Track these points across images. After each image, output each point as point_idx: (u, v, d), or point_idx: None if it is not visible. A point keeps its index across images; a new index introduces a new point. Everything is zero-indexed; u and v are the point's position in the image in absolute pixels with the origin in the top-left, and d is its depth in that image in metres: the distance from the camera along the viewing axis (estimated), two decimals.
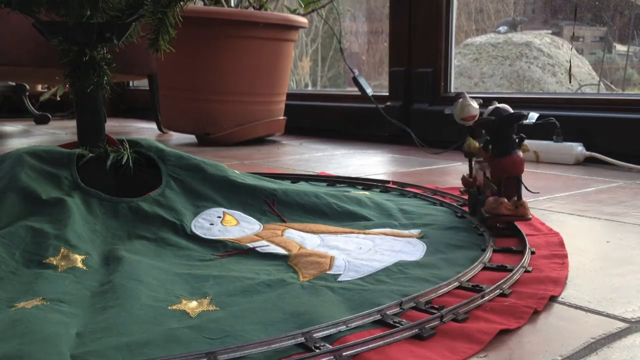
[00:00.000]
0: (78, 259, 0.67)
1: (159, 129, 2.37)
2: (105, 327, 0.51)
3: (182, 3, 0.87)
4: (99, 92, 0.88)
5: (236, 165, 1.45)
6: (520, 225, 0.78)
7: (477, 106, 0.92)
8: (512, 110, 0.80)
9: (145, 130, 2.52)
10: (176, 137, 2.19)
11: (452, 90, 1.86)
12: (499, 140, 0.77)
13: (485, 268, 0.63)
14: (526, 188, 0.78)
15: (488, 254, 0.67)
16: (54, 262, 0.65)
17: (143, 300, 0.56)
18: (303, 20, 1.91)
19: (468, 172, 0.96)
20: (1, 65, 1.81)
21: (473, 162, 0.94)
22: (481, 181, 0.84)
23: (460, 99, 0.92)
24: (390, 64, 1.97)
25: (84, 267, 0.65)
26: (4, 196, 0.74)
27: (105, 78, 0.87)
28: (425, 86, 1.85)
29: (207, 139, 1.89)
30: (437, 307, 0.52)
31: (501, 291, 0.56)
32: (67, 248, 0.67)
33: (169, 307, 0.55)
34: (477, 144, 0.90)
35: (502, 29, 2.68)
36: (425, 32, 1.85)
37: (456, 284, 0.58)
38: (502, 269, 0.63)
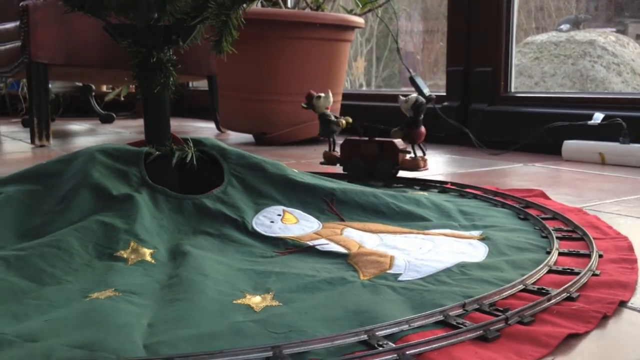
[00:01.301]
0: (147, 252, 0.69)
1: (218, 128, 2.42)
2: (175, 319, 0.52)
3: (244, 5, 0.89)
4: (165, 93, 0.90)
5: (293, 164, 1.47)
6: (587, 228, 0.76)
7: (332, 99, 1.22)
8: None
9: (204, 129, 2.58)
10: (234, 136, 2.23)
11: (513, 90, 1.82)
12: (418, 118, 1.13)
13: (550, 271, 0.62)
14: (423, 150, 1.17)
15: (554, 256, 0.65)
16: (124, 255, 0.68)
17: (209, 294, 0.58)
18: (359, 20, 1.91)
19: (332, 150, 1.23)
20: (71, 66, 1.90)
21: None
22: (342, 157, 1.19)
23: (323, 94, 1.20)
24: (448, 63, 1.94)
25: (153, 261, 0.68)
26: (77, 192, 0.78)
27: (171, 79, 0.90)
28: (485, 86, 1.82)
29: (264, 139, 1.92)
30: (501, 309, 0.52)
31: (568, 294, 0.55)
32: (136, 242, 0.70)
33: (234, 302, 0.57)
34: (344, 122, 1.20)
35: (564, 27, 2.60)
36: (485, 30, 1.82)
37: (521, 286, 0.57)
38: (569, 272, 0.62)
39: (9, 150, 1.89)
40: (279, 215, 0.83)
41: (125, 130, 2.53)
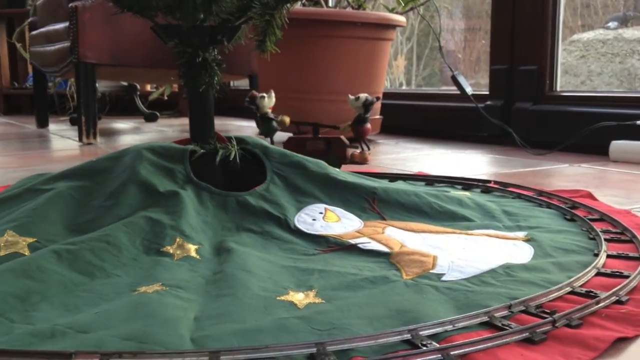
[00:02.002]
0: (192, 248, 0.70)
1: (258, 127, 2.44)
2: (221, 314, 0.53)
3: (288, 5, 0.90)
4: (210, 92, 0.92)
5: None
6: (637, 230, 0.74)
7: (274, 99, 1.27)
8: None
9: (245, 128, 2.61)
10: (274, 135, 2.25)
11: (558, 89, 1.79)
12: (366, 116, 1.24)
13: (599, 273, 0.61)
14: (367, 145, 1.29)
15: (602, 259, 0.64)
16: (171, 251, 0.69)
17: (253, 290, 0.59)
18: (401, 19, 1.90)
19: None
20: (117, 66, 1.94)
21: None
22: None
23: (266, 95, 1.25)
24: (491, 61, 1.92)
25: (198, 257, 0.69)
26: (125, 188, 0.80)
27: (216, 78, 0.92)
28: (529, 85, 1.78)
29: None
30: (548, 311, 0.51)
31: (617, 298, 0.54)
32: (182, 238, 0.72)
33: (278, 298, 0.57)
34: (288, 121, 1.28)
35: (611, 24, 2.53)
36: (530, 28, 1.78)
37: (568, 289, 0.56)
38: (618, 275, 0.60)
39: (57, 148, 1.95)
40: (321, 213, 0.83)
41: (169, 129, 2.58)
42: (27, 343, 0.48)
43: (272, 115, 1.26)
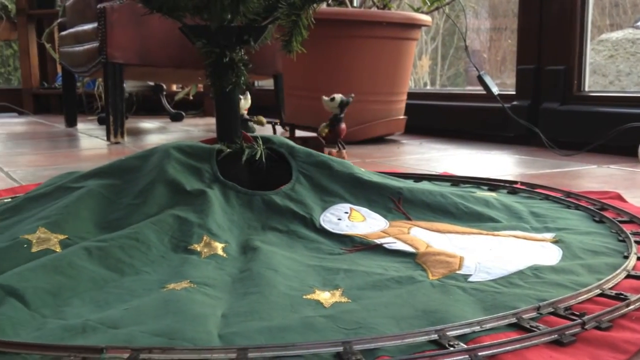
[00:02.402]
0: (219, 246, 0.71)
1: (282, 126, 2.45)
2: (247, 311, 0.54)
3: (314, 5, 0.90)
4: (236, 92, 0.93)
5: (357, 163, 1.47)
6: None
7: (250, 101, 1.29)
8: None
9: (268, 128, 2.62)
10: (297, 134, 2.25)
11: (586, 89, 1.76)
12: (342, 116, 1.30)
13: (629, 276, 0.60)
14: (343, 144, 1.31)
15: (632, 261, 0.63)
16: (198, 249, 0.70)
17: (280, 288, 0.59)
18: (427, 18, 1.89)
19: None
20: (144, 66, 1.97)
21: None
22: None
23: (242, 96, 1.23)
24: (518, 61, 1.90)
25: (224, 255, 0.70)
26: (153, 187, 0.81)
27: (242, 78, 0.92)
28: (557, 85, 1.76)
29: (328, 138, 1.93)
30: (577, 313, 0.51)
31: None
32: (209, 236, 0.72)
33: (304, 297, 0.58)
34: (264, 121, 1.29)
35: None
36: (558, 27, 1.76)
37: (597, 291, 0.56)
38: None
39: (85, 147, 1.98)
40: (346, 212, 0.83)
41: (194, 128, 2.60)
42: (60, 338, 0.49)
43: (247, 117, 1.23)
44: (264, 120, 1.28)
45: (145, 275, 0.64)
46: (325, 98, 1.27)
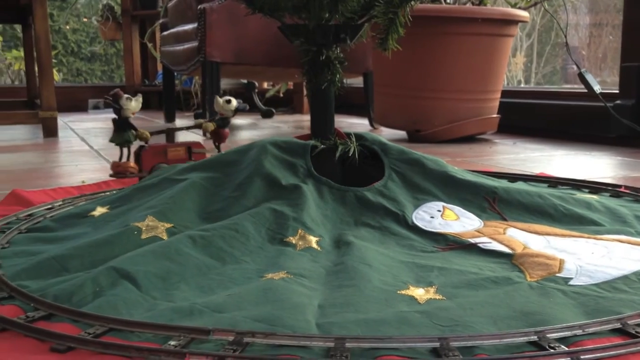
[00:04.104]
0: (313, 240, 0.73)
1: (371, 124, 2.46)
2: (343, 303, 0.55)
3: (412, 3, 0.90)
4: (331, 89, 0.94)
5: (448, 162, 1.45)
6: None
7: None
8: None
9: (357, 125, 2.63)
10: (386, 132, 2.25)
11: None
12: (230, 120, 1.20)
13: None
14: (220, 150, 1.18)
15: None
16: (293, 241, 0.72)
17: (374, 283, 0.60)
18: (524, 14, 1.83)
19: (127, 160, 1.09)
20: (240, 64, 2.04)
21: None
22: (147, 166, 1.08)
23: (134, 98, 1.08)
24: (623, 58, 1.80)
25: (318, 248, 0.72)
26: (251, 180, 0.84)
27: (337, 76, 0.94)
28: None
29: (417, 136, 1.92)
30: None
31: None
32: (303, 230, 0.74)
33: (398, 292, 0.58)
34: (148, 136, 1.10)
35: None
36: None
37: None
38: None
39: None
40: (439, 211, 0.83)
41: (284, 125, 2.66)
42: (169, 319, 0.53)
43: (133, 123, 1.09)
44: (149, 135, 1.10)
45: (244, 265, 0.67)
46: (219, 100, 1.17)
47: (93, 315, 0.52)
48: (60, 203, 0.97)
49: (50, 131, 2.14)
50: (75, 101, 3.67)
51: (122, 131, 1.07)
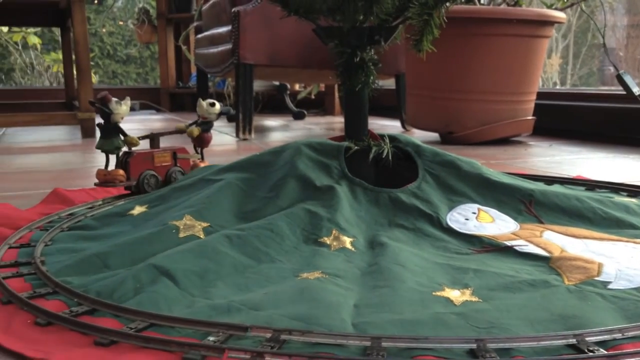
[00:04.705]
0: (347, 240, 0.74)
1: (402, 126, 2.45)
2: (378, 303, 0.56)
3: (447, 4, 0.90)
4: (365, 91, 0.95)
5: (482, 164, 1.44)
6: None
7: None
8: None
9: (389, 127, 2.63)
10: (418, 134, 2.24)
11: None
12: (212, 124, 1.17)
13: None
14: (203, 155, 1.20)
15: None
16: (327, 242, 0.73)
17: (409, 284, 0.60)
18: (561, 15, 1.81)
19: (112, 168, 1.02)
20: (273, 66, 2.06)
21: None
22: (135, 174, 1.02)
23: (123, 101, 1.01)
24: None
25: (353, 249, 0.72)
26: (285, 181, 0.85)
27: (371, 77, 0.94)
28: None
29: (450, 138, 1.91)
30: None
31: None
32: (338, 230, 0.75)
33: (434, 293, 0.58)
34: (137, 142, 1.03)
35: None
36: None
37: None
38: None
39: (216, 143, 2.10)
40: (474, 213, 0.82)
41: (315, 127, 2.67)
42: (207, 315, 0.54)
43: (122, 128, 1.02)
44: (138, 140, 1.04)
45: (279, 264, 0.68)
46: (202, 102, 1.13)
47: (134, 311, 0.53)
48: (100, 202, 1.00)
49: (88, 132, 2.19)
50: None
51: (111, 137, 1.01)
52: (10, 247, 0.75)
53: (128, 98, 1.03)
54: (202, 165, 1.17)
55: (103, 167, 1.02)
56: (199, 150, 1.19)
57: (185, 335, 0.50)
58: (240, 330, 0.49)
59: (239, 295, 0.59)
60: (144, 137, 1.06)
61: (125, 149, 1.04)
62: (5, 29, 4.73)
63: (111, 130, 1.01)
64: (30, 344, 0.49)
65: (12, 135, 2.40)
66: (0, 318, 0.55)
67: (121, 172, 1.01)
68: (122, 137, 1.02)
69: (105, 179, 1.01)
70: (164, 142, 1.15)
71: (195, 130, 1.14)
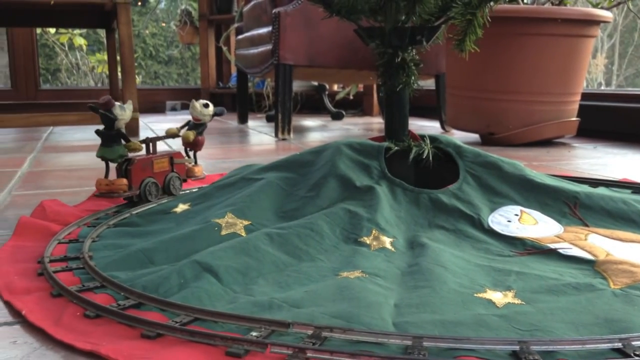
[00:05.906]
0: (387, 240, 0.74)
1: (442, 127, 2.43)
2: (419, 304, 0.56)
3: (492, 3, 0.89)
4: (406, 91, 0.94)
5: (525, 166, 1.42)
6: None
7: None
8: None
9: (428, 128, 2.61)
10: (458, 135, 2.22)
11: None
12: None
13: None
14: (196, 158, 1.21)
15: None
16: (367, 242, 0.73)
17: (450, 285, 0.60)
18: (607, 14, 1.76)
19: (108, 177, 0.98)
20: (312, 67, 2.07)
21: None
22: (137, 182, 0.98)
23: (126, 105, 0.99)
24: None
25: (392, 249, 0.72)
26: (326, 181, 0.85)
27: (413, 78, 0.94)
28: None
29: (491, 139, 1.88)
30: None
31: None
32: (377, 230, 0.75)
33: (475, 295, 0.58)
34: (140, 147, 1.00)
35: None
36: None
37: None
38: None
39: (255, 143, 2.12)
40: (516, 215, 0.81)
41: (353, 127, 2.67)
42: (250, 311, 0.55)
43: (125, 132, 0.99)
44: (141, 146, 1.00)
45: (320, 263, 0.69)
46: (195, 103, 1.10)
47: (180, 305, 0.55)
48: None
49: (133, 131, 2.24)
50: (154, 103, 3.83)
51: (113, 144, 0.97)
52: (59, 243, 0.78)
53: (130, 101, 1.00)
54: (196, 169, 1.16)
55: (103, 177, 0.98)
56: (191, 155, 1.16)
57: (228, 330, 0.51)
58: (283, 326, 0.50)
59: (279, 293, 0.60)
60: (143, 142, 1.02)
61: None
62: (52, 30, 4.88)
63: (113, 136, 0.97)
64: (79, 335, 0.51)
65: (59, 134, 2.48)
66: (50, 310, 0.57)
67: (124, 181, 0.96)
68: (124, 143, 0.98)
69: (109, 189, 0.96)
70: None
71: (191, 135, 1.12)
